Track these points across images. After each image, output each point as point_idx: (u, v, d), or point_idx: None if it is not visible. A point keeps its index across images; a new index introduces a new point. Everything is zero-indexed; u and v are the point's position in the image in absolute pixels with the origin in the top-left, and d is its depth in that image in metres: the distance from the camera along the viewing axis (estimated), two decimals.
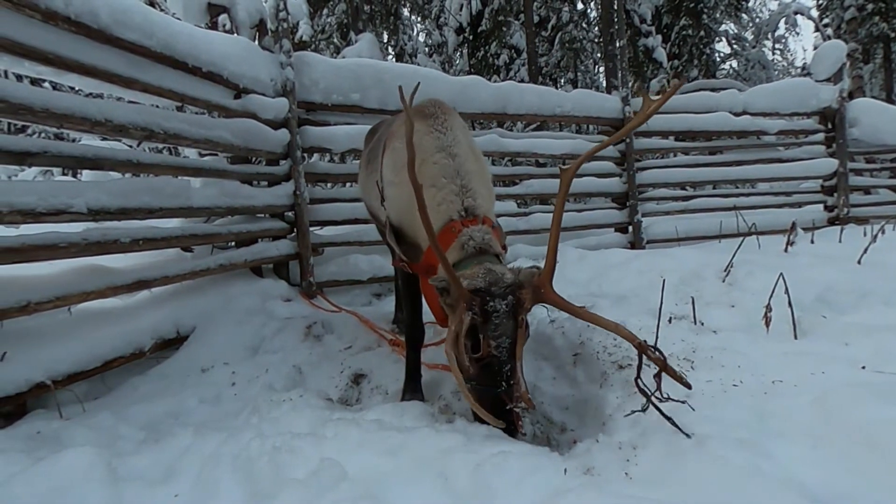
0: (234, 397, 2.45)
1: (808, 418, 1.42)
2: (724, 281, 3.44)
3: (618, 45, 5.76)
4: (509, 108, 5.23)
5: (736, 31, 16.42)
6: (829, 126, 6.69)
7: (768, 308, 2.50)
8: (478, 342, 1.65)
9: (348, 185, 5.10)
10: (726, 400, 1.55)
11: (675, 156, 7.03)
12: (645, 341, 1.49)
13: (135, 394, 2.48)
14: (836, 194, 6.74)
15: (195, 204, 3.15)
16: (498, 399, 1.64)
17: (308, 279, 4.16)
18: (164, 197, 2.93)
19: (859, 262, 3.62)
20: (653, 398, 1.45)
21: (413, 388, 2.17)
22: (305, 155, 4.39)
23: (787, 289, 2.47)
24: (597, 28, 11.92)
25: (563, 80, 13.89)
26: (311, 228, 4.33)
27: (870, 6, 11.19)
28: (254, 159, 4.10)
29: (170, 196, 2.97)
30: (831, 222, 6.67)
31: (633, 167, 6.05)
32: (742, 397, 1.56)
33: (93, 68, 2.56)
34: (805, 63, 23.23)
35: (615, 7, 6.36)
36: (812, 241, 4.80)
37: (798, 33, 17.88)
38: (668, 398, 1.45)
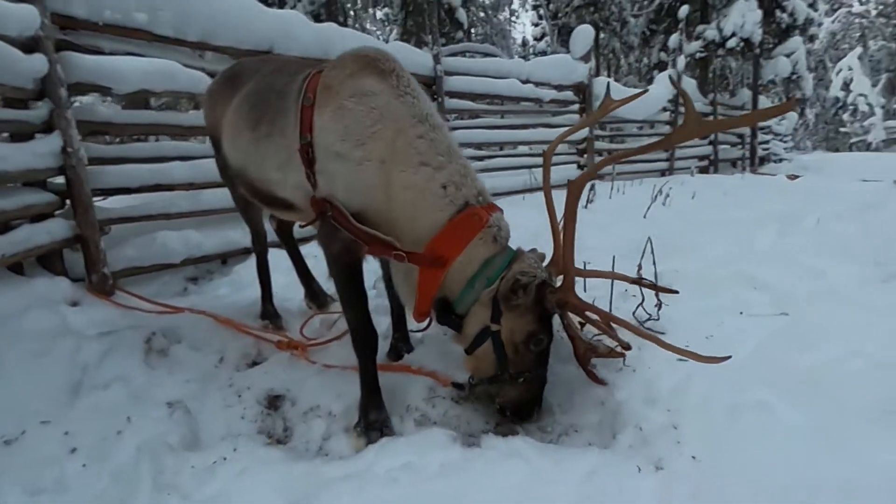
0: (86, 474, 1.64)
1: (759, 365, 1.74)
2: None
3: None
4: (332, 54, 4.63)
5: None
6: (582, 98, 8.09)
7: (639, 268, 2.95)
8: (547, 335, 1.75)
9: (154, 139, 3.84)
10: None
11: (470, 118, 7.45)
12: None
13: None
14: (585, 156, 8.29)
15: None
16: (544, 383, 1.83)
17: (101, 270, 3.02)
18: None
19: (644, 217, 4.58)
20: None
21: (378, 405, 1.78)
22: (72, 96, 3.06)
23: None
24: None
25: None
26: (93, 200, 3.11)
27: None
28: None
29: None
30: None
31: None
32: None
33: None
34: (524, 38, 27.38)
35: None
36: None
37: (527, 10, 20.74)
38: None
